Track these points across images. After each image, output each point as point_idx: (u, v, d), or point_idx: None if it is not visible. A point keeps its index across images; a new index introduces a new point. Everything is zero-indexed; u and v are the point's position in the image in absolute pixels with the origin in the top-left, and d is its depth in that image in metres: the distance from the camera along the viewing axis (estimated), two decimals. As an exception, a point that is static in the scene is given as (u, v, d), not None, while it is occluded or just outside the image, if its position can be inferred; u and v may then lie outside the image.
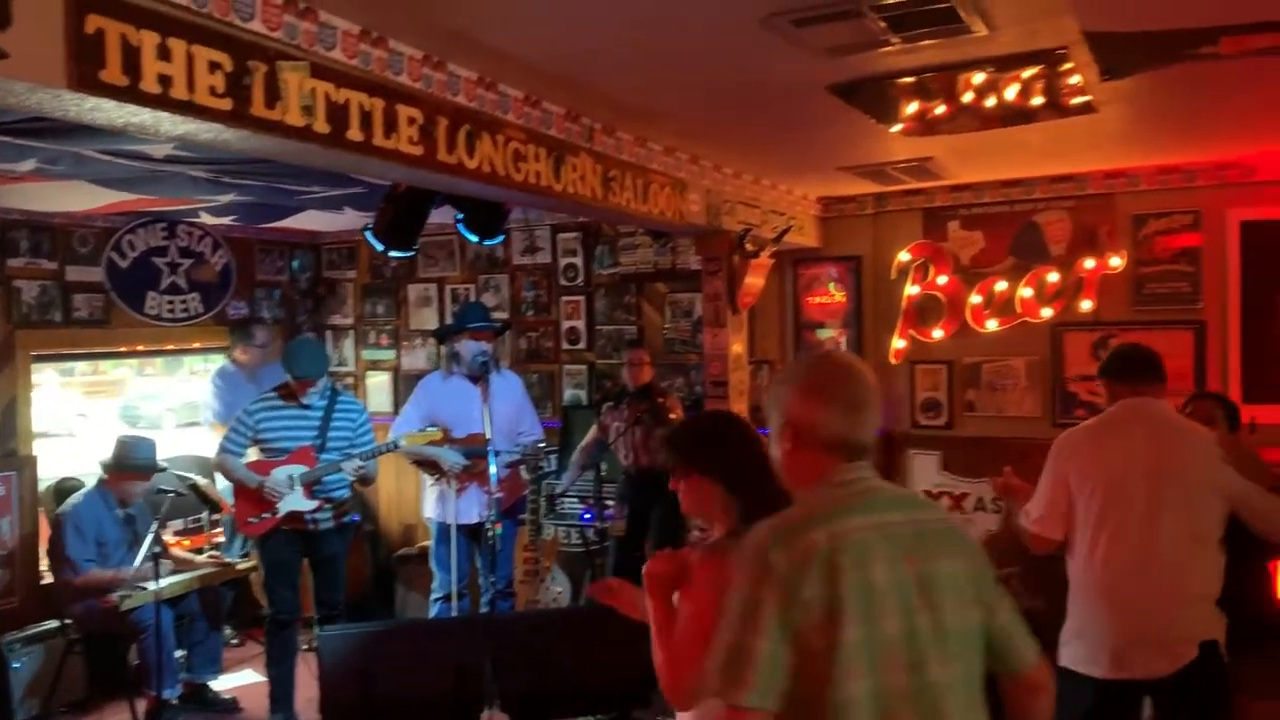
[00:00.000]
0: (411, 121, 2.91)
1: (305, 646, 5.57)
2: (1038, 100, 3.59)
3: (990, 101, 3.59)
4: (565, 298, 6.93)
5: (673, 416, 5.51)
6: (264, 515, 4.98)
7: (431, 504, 5.51)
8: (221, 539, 6.45)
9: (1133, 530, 3.21)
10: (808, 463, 1.97)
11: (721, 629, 1.79)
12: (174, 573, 5.29)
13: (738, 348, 5.19)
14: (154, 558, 4.79)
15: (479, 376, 5.30)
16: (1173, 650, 3.20)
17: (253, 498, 4.98)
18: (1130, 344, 3.69)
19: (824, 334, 6.29)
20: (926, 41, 2.95)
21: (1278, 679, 3.83)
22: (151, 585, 4.82)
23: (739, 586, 1.81)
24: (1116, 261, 5.49)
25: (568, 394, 6.91)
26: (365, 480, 5.32)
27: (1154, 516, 3.21)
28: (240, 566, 5.85)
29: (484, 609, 5.41)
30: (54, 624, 5.27)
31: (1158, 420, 3.37)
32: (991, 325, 5.83)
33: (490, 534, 4.89)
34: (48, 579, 5.47)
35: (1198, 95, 3.70)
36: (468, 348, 5.36)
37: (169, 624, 5.10)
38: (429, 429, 5.24)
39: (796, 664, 1.74)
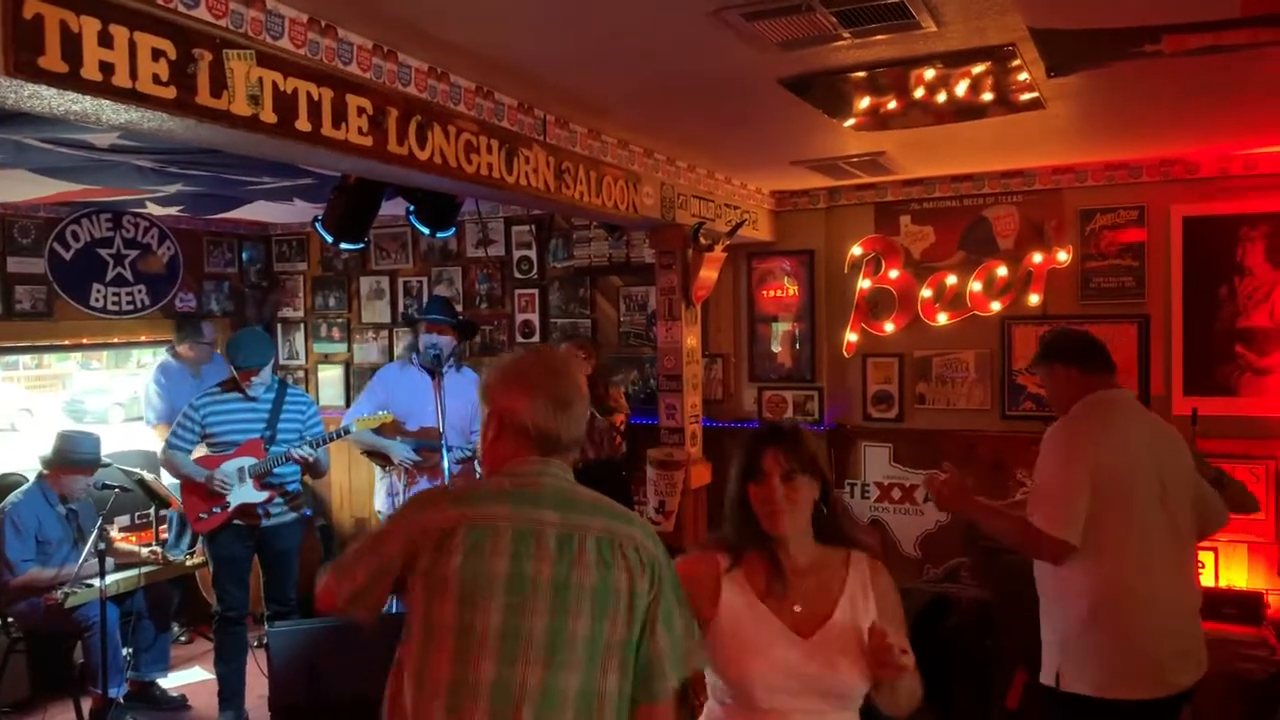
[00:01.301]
0: (361, 112, 2.88)
1: (255, 643, 5.50)
2: (987, 96, 3.64)
3: (941, 97, 3.63)
4: (519, 290, 6.91)
5: (614, 406, 5.57)
6: (214, 510, 4.92)
7: (382, 497, 5.48)
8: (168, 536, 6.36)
9: (1158, 532, 3.02)
10: (505, 452, 2.01)
11: None
12: (119, 567, 5.19)
13: (692, 341, 5.21)
14: (99, 554, 4.70)
15: (433, 369, 5.26)
16: (1199, 658, 3.07)
17: (202, 492, 4.91)
18: (1081, 331, 3.47)
19: (779, 327, 6.33)
20: (877, 37, 2.97)
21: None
22: (96, 582, 4.73)
23: None
24: (1064, 256, 5.58)
25: (522, 387, 6.87)
26: (316, 472, 5.27)
27: (1171, 517, 3.06)
28: (189, 563, 5.76)
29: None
30: (-5, 622, 5.16)
31: (1145, 415, 3.26)
32: (942, 319, 5.90)
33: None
34: (-13, 577, 5.36)
35: (1142, 93, 3.77)
36: (422, 340, 5.35)
37: (115, 621, 5.01)
38: (380, 413, 5.22)
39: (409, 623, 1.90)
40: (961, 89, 3.54)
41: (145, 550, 5.55)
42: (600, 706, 1.85)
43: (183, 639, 6.40)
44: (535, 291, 6.85)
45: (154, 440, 6.34)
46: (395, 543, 1.92)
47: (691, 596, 2.07)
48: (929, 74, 3.39)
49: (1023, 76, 3.39)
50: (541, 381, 2.00)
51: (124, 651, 5.27)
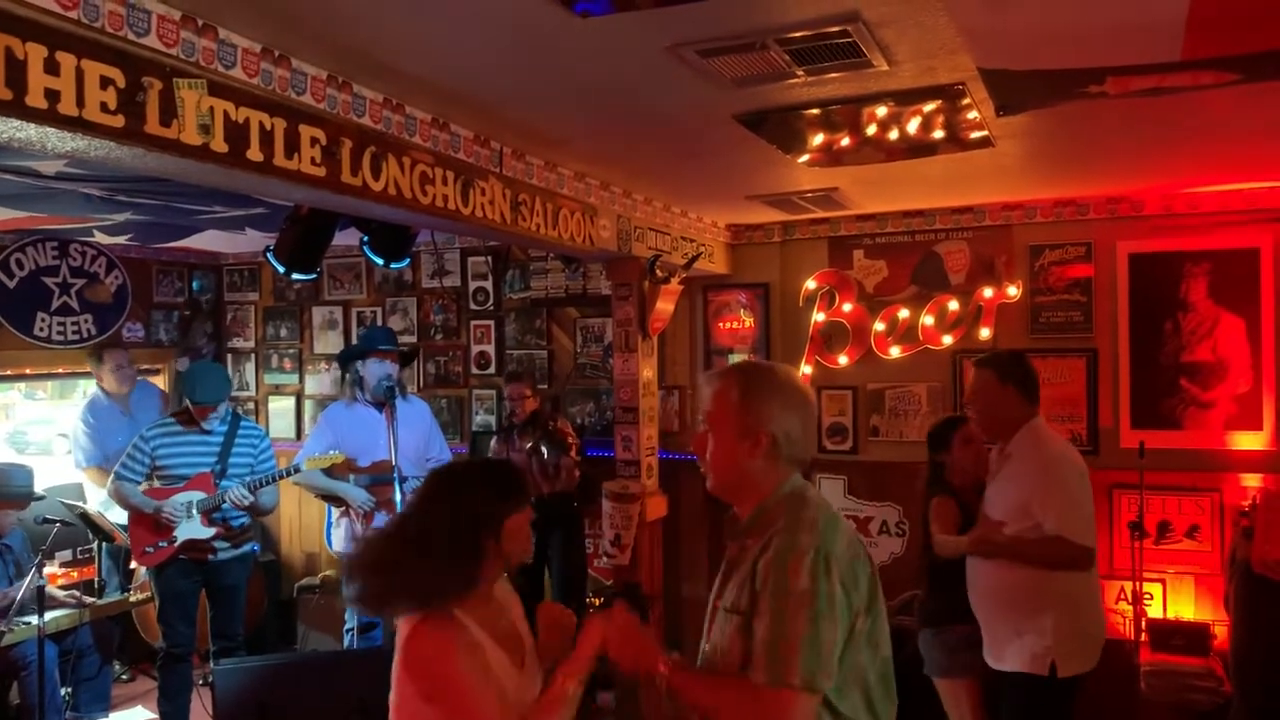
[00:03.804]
0: (314, 142, 2.85)
1: (200, 681, 5.37)
2: (938, 134, 3.69)
3: (893, 134, 3.68)
4: (475, 322, 6.87)
5: (568, 441, 5.55)
6: (160, 544, 4.81)
7: (341, 538, 5.35)
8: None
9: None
10: (778, 473, 2.08)
11: None
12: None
13: (648, 373, 5.20)
14: (38, 590, 4.57)
15: (384, 402, 5.18)
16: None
17: (149, 525, 4.81)
18: (1026, 357, 3.82)
19: (735, 359, 6.34)
20: (830, 75, 3.01)
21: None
22: (34, 620, 4.60)
23: None
24: (1014, 291, 5.66)
25: (477, 419, 6.84)
26: (260, 510, 5.14)
27: None
28: (132, 600, 5.62)
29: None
30: (-73, 662, 4.99)
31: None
32: (895, 352, 5.95)
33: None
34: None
35: (1088, 132, 3.85)
36: (373, 372, 5.24)
37: (53, 660, 4.87)
38: (331, 453, 5.13)
39: None
40: (913, 127, 3.58)
41: (64, 594, 5.33)
42: None
43: (125, 677, 6.23)
44: (491, 323, 6.82)
45: (86, 484, 6.13)
46: None
47: None
48: (881, 111, 3.43)
49: (972, 115, 3.45)
50: (810, 405, 2.12)
51: (63, 691, 5.12)
